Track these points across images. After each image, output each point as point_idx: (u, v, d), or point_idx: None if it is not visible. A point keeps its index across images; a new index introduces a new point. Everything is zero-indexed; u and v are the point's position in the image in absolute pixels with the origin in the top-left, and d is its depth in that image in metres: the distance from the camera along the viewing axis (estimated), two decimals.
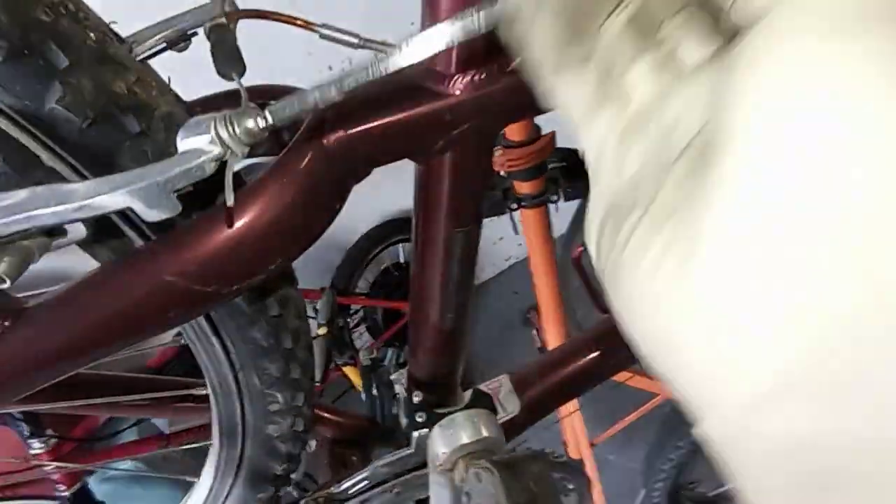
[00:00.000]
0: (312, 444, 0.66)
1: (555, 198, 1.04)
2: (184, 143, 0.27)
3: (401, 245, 2.00)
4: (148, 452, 1.66)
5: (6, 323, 0.29)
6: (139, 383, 0.61)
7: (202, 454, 0.63)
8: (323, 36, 0.44)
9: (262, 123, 0.27)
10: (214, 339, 0.45)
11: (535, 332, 2.08)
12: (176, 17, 0.37)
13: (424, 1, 0.33)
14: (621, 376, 1.44)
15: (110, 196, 0.27)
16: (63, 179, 0.30)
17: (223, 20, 0.35)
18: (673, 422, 0.98)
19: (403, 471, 0.56)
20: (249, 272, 0.32)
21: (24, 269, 0.29)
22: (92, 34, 0.30)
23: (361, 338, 2.03)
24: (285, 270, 0.44)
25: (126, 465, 1.67)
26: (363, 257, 1.89)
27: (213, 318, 0.43)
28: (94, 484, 1.66)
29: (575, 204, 1.67)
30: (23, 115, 0.29)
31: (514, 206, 1.04)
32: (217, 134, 0.26)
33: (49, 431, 1.44)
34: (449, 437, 0.39)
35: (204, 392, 0.55)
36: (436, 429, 0.40)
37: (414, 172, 0.43)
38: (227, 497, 0.60)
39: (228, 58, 0.33)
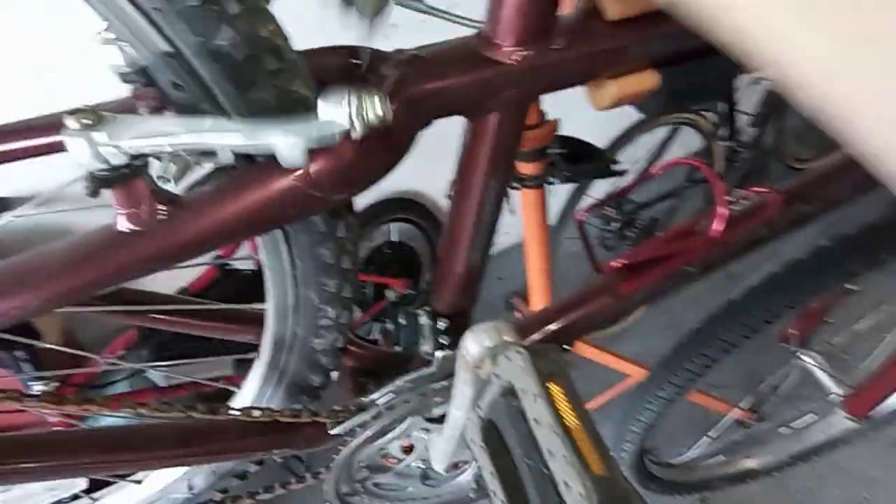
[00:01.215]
0: (335, 374, 0.76)
1: (553, 180, 1.14)
2: (322, 110, 0.36)
3: (393, 224, 2.08)
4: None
5: (168, 208, 0.38)
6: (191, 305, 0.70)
7: None
8: (398, 2, 0.54)
9: (387, 113, 0.36)
10: (285, 256, 0.54)
11: (517, 315, 2.19)
12: None
13: None
14: (594, 354, 1.57)
15: (261, 141, 0.36)
16: (220, 108, 0.39)
17: None
18: (644, 387, 1.09)
19: (424, 385, 0.66)
20: (348, 186, 0.42)
21: (184, 176, 0.38)
22: None
23: None
24: (350, 203, 0.53)
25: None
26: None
27: (288, 236, 0.53)
28: None
29: (565, 201, 1.78)
30: (193, 49, 0.38)
31: (517, 185, 1.14)
32: (350, 113, 0.35)
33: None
34: (479, 338, 0.48)
35: (257, 309, 0.64)
36: (469, 333, 0.49)
37: (463, 129, 0.53)
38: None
39: None
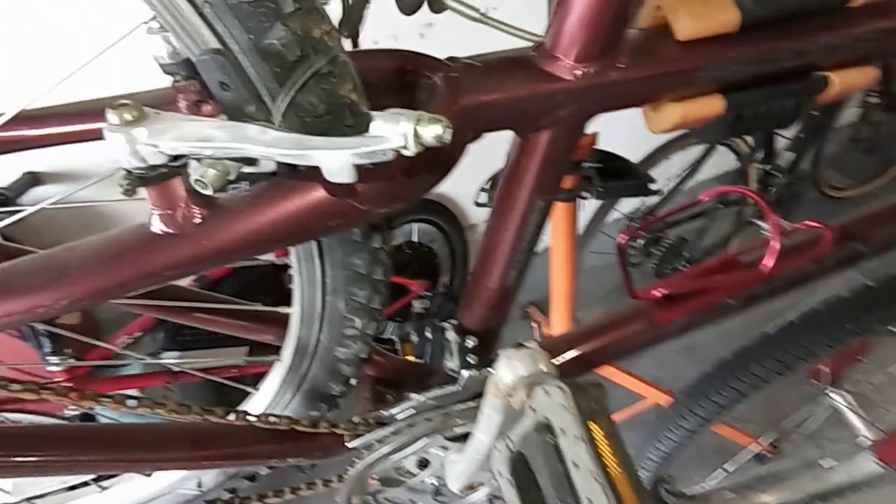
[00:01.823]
0: (354, 380, 0.74)
1: (586, 195, 1.11)
2: (376, 127, 0.34)
3: (414, 224, 2.06)
4: (154, 385, 1.73)
5: (205, 212, 0.37)
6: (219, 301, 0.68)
7: None
8: (450, 8, 0.52)
9: (446, 138, 0.33)
10: (317, 263, 0.52)
11: (534, 325, 2.16)
12: None
13: None
14: (614, 374, 1.53)
15: (308, 154, 0.34)
16: (266, 110, 0.37)
17: None
18: (667, 414, 1.06)
19: (447, 404, 0.63)
20: (395, 201, 0.40)
21: (223, 183, 0.36)
22: None
23: None
24: (388, 216, 0.51)
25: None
26: None
27: (321, 244, 0.50)
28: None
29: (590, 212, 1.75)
30: (243, 47, 0.36)
31: None
32: (405, 132, 0.33)
33: (67, 352, 1.50)
34: (513, 366, 0.46)
35: (283, 312, 0.62)
36: (502, 358, 0.47)
37: (511, 142, 0.50)
38: (283, 411, 0.68)
39: (350, 20, 0.39)
